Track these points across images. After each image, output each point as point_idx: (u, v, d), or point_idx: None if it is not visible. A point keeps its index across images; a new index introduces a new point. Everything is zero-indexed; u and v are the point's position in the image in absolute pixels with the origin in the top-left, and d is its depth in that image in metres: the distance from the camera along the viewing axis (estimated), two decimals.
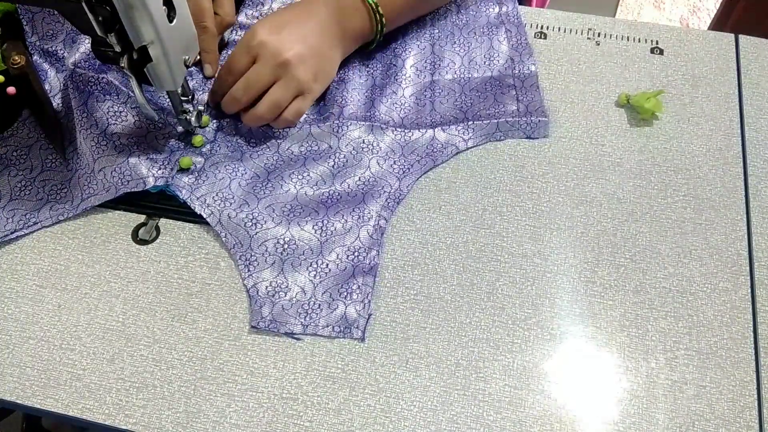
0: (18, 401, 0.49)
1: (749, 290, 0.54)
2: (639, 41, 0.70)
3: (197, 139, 0.60)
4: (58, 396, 0.49)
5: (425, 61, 0.67)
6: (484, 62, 0.67)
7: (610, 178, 0.60)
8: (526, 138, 0.62)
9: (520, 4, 0.73)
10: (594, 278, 0.54)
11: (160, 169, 0.57)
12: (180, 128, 0.61)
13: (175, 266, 0.55)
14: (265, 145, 0.61)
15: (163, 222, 0.57)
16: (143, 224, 0.58)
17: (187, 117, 0.59)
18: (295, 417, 0.48)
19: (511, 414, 0.48)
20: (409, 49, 0.68)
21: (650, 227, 0.57)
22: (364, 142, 0.60)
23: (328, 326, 0.51)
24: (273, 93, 0.59)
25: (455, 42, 0.69)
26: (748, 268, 0.55)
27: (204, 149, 0.60)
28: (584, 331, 0.52)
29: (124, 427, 0.48)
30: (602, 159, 0.61)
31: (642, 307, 0.53)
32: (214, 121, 0.62)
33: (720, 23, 1.32)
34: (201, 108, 0.61)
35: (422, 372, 0.50)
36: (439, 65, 0.67)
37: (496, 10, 0.71)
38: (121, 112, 0.58)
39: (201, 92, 0.65)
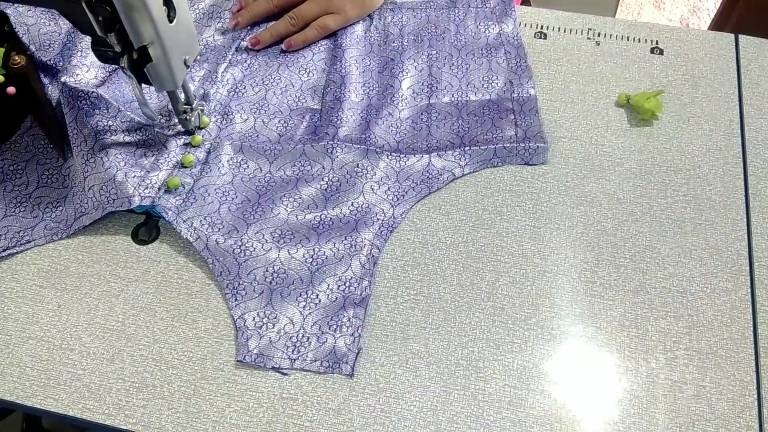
0: (18, 401, 0.49)
1: (749, 290, 0.54)
2: (639, 41, 0.70)
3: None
4: (58, 396, 0.49)
5: (422, 84, 0.66)
6: (483, 85, 0.66)
7: (610, 178, 0.60)
8: (525, 164, 0.61)
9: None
10: (594, 278, 0.54)
11: (147, 188, 0.56)
12: (180, 128, 0.61)
13: (175, 266, 0.55)
14: (257, 167, 0.60)
15: (163, 222, 0.57)
16: (143, 224, 0.58)
17: (187, 117, 0.59)
18: (295, 417, 0.48)
19: (511, 414, 0.48)
20: (407, 71, 0.67)
21: (650, 227, 0.57)
22: (358, 167, 0.59)
23: (316, 361, 0.50)
24: (303, 8, 0.65)
25: (453, 64, 0.68)
26: (748, 268, 0.55)
27: (194, 170, 0.59)
28: (584, 331, 0.52)
29: (124, 427, 0.48)
30: (602, 159, 0.61)
31: (642, 307, 0.53)
32: (206, 142, 0.61)
33: (720, 23, 1.32)
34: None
35: (422, 372, 0.50)
36: (437, 88, 0.66)
37: (496, 30, 0.70)
38: (110, 126, 0.57)
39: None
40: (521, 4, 0.74)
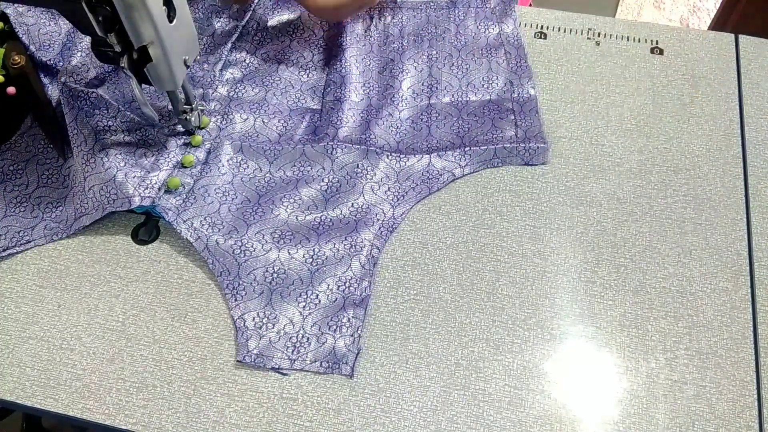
0: (18, 401, 0.49)
1: (749, 290, 0.54)
2: (639, 41, 0.70)
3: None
4: (58, 396, 0.49)
5: (422, 84, 0.66)
6: (483, 85, 0.66)
7: (610, 178, 0.60)
8: (525, 164, 0.61)
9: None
10: (594, 278, 0.54)
11: (147, 188, 0.55)
12: (180, 128, 0.61)
13: (175, 266, 0.55)
14: (257, 167, 0.60)
15: (163, 222, 0.57)
16: (143, 224, 0.58)
17: (187, 117, 0.59)
18: (295, 417, 0.48)
19: (511, 414, 0.48)
20: (407, 71, 0.67)
21: (650, 227, 0.57)
22: (358, 167, 0.59)
23: (316, 361, 0.50)
24: None
25: (453, 64, 0.68)
26: (748, 268, 0.55)
27: (194, 170, 0.59)
28: (584, 331, 0.52)
29: (124, 427, 0.48)
30: (602, 159, 0.61)
31: (642, 307, 0.53)
32: (206, 142, 0.61)
33: (720, 23, 1.32)
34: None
35: (422, 372, 0.50)
36: (437, 88, 0.66)
37: (496, 30, 0.70)
38: (110, 126, 0.57)
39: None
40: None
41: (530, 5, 0.91)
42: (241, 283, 0.53)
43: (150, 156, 0.58)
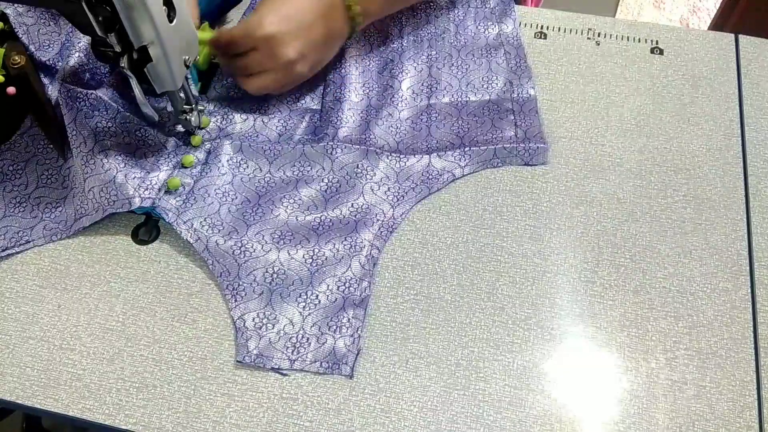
0: (18, 401, 0.49)
1: (749, 290, 0.54)
2: (639, 41, 0.70)
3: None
4: (58, 396, 0.49)
5: (422, 84, 0.66)
6: (482, 85, 0.66)
7: (610, 178, 0.60)
8: (525, 164, 0.61)
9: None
10: (594, 278, 0.54)
11: (147, 189, 0.55)
12: (180, 128, 0.61)
13: (175, 266, 0.55)
14: (257, 167, 0.59)
15: (163, 222, 0.57)
16: (143, 224, 0.58)
17: (187, 117, 0.59)
18: (295, 417, 0.48)
19: (511, 414, 0.48)
20: (406, 71, 0.67)
21: (650, 227, 0.57)
22: (358, 167, 0.59)
23: (316, 362, 0.50)
24: (265, 79, 0.60)
25: (453, 64, 0.68)
26: (748, 268, 0.55)
27: (194, 171, 0.59)
28: (584, 331, 0.52)
29: (124, 427, 0.48)
30: (602, 159, 0.61)
31: (642, 307, 0.53)
32: (206, 142, 0.60)
33: (720, 23, 1.32)
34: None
35: (422, 372, 0.50)
36: (436, 88, 0.66)
37: (496, 30, 0.70)
38: (109, 128, 0.56)
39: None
40: (516, 3, 0.73)
41: (533, 5, 0.91)
42: (241, 283, 0.53)
43: (150, 156, 0.58)
